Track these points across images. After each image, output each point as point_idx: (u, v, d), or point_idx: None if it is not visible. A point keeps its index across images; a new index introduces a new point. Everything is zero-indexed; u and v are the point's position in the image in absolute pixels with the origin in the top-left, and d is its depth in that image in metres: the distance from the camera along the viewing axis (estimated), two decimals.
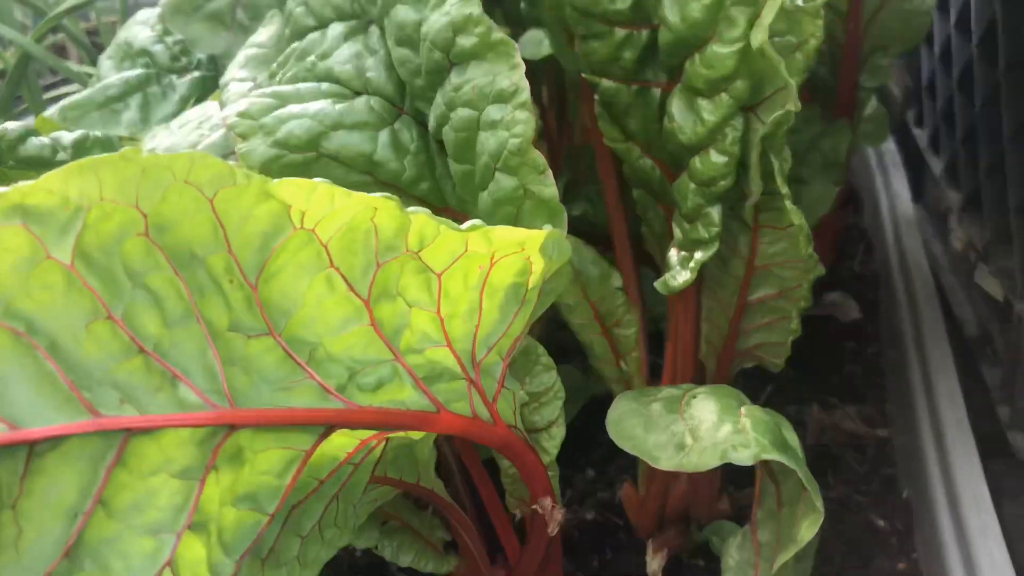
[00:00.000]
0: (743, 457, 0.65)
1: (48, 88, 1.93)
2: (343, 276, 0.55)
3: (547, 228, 0.63)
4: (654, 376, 1.01)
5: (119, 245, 0.48)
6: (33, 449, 0.45)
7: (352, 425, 0.56)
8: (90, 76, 1.56)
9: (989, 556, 0.83)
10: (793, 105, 0.71)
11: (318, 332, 0.55)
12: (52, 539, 0.45)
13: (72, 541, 0.45)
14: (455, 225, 0.56)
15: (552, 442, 0.82)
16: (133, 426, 0.47)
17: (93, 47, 1.84)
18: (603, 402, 1.20)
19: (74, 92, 1.31)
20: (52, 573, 0.44)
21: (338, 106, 0.80)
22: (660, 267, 0.94)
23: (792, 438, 0.70)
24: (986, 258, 1.19)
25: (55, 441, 0.45)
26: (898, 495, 1.07)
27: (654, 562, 0.96)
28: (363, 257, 0.55)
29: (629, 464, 1.14)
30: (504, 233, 0.58)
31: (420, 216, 0.55)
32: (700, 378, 0.97)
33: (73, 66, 1.69)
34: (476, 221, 0.57)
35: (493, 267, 0.61)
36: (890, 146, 1.72)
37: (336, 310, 0.56)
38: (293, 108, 0.80)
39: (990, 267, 1.16)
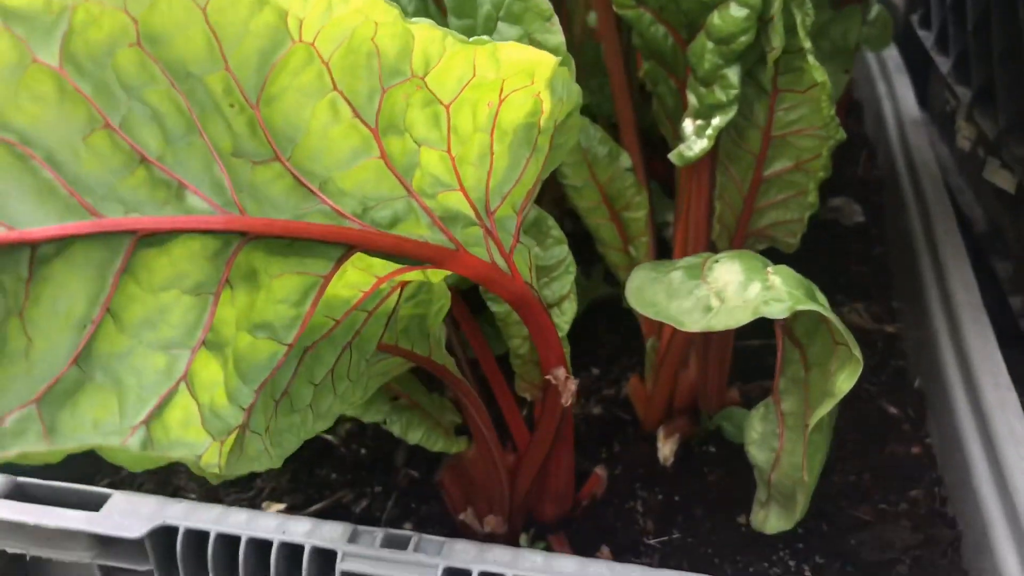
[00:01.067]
0: (777, 310, 0.62)
1: None
2: (347, 101, 0.51)
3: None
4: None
5: (111, 56, 0.45)
6: (36, 253, 0.41)
7: (370, 248, 0.52)
8: None
9: (1009, 429, 0.81)
10: None
11: (327, 165, 0.52)
12: (63, 350, 0.42)
13: (80, 350, 0.42)
14: (461, 36, 0.52)
15: (563, 317, 0.79)
16: (140, 227, 0.43)
17: None
18: (605, 303, 1.18)
19: None
20: (61, 379, 0.41)
21: None
22: (671, 146, 0.90)
23: (821, 296, 0.68)
24: (997, 151, 1.16)
25: (59, 245, 0.41)
26: (909, 386, 1.05)
27: (666, 447, 0.94)
28: (367, 81, 0.52)
29: (633, 363, 1.12)
30: (512, 52, 0.54)
31: (423, 28, 0.51)
32: None
33: None
34: (482, 37, 0.54)
35: (503, 104, 0.58)
36: (891, 53, 1.68)
37: (343, 141, 0.52)
38: None
39: (1003, 158, 1.14)
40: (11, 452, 0.38)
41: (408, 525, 0.92)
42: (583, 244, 0.99)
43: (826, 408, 0.65)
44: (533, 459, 0.81)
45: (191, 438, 0.45)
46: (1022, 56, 1.05)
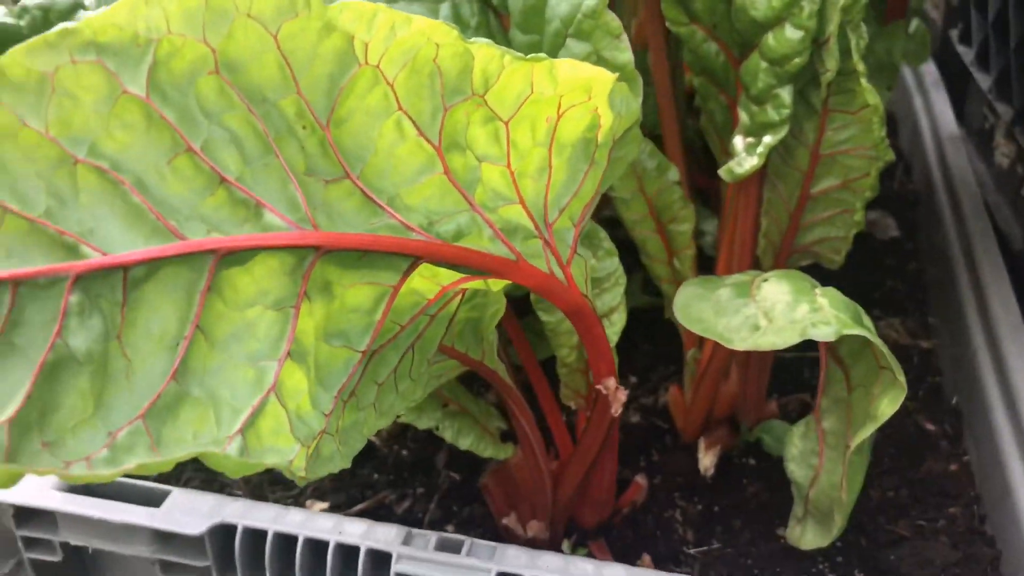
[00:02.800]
0: (825, 333, 0.64)
1: None
2: (412, 120, 0.53)
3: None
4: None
5: (192, 84, 0.47)
6: (128, 276, 0.43)
7: (436, 259, 0.54)
8: None
9: None
10: None
11: (394, 182, 0.54)
12: (159, 368, 0.44)
13: (176, 367, 0.44)
14: (518, 54, 0.54)
15: (613, 328, 0.81)
16: (219, 247, 0.45)
17: None
18: (642, 313, 1.20)
19: None
20: (161, 395, 0.43)
21: None
22: (718, 161, 0.92)
23: (867, 319, 0.69)
24: None
25: (149, 268, 0.44)
26: (946, 402, 1.06)
27: (706, 458, 0.96)
28: (430, 100, 0.54)
29: (671, 373, 1.13)
30: (568, 69, 0.56)
31: (482, 47, 0.53)
32: None
33: None
34: (539, 55, 0.55)
35: (560, 119, 0.59)
36: (928, 67, 1.68)
37: (409, 159, 0.54)
38: None
39: None
40: (128, 465, 0.40)
41: (450, 527, 0.94)
42: (621, 253, 1.00)
43: (868, 431, 0.66)
44: (578, 466, 0.83)
45: (282, 444, 0.47)
46: None
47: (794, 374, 1.11)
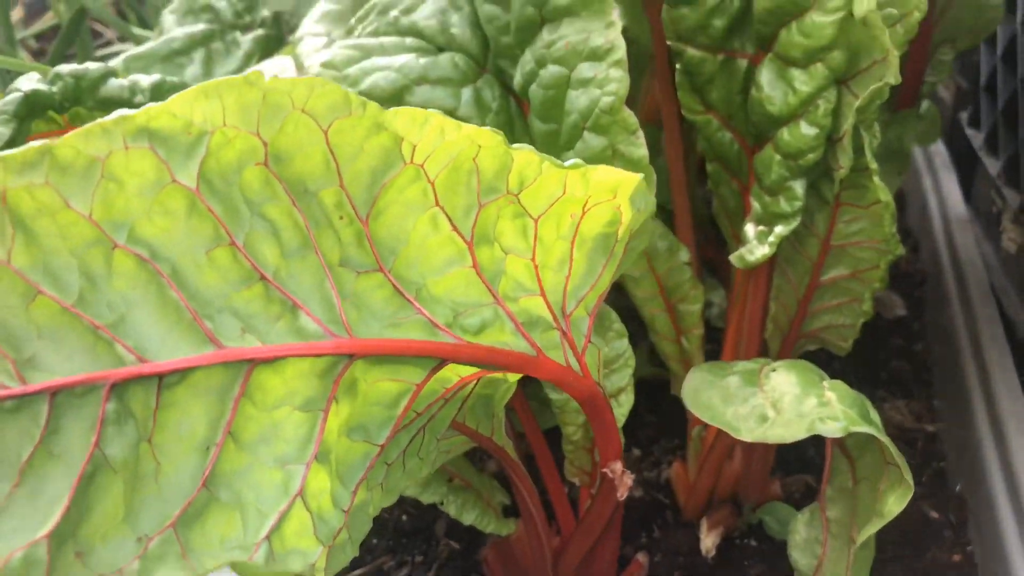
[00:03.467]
0: (832, 429, 0.64)
1: (99, 48, 1.92)
2: (447, 215, 0.54)
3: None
4: (710, 357, 1.01)
5: (239, 174, 0.48)
6: (163, 381, 0.44)
7: (463, 360, 0.55)
8: (142, 38, 1.55)
9: None
10: (893, 78, 0.70)
11: (422, 272, 0.55)
12: (188, 472, 0.45)
13: (208, 472, 0.45)
14: (557, 161, 0.55)
15: (620, 409, 0.81)
16: (257, 356, 0.46)
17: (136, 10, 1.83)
18: (648, 385, 1.20)
19: (126, 50, 1.30)
20: (193, 502, 0.44)
21: (422, 60, 0.79)
22: (729, 245, 0.93)
23: (875, 414, 0.69)
24: None
25: (183, 374, 0.45)
26: (950, 488, 1.06)
27: (708, 539, 0.95)
28: (466, 197, 0.55)
29: (674, 446, 1.14)
30: (603, 174, 0.58)
31: (523, 153, 0.55)
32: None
33: (131, 27, 1.69)
34: (576, 160, 0.57)
35: (585, 216, 0.61)
36: (938, 148, 1.70)
37: (440, 251, 0.55)
38: (378, 60, 0.79)
39: None
40: None
41: None
42: (626, 321, 1.01)
43: (874, 528, 0.66)
44: (580, 545, 0.83)
45: (305, 547, 0.47)
46: None
47: (799, 453, 1.11)
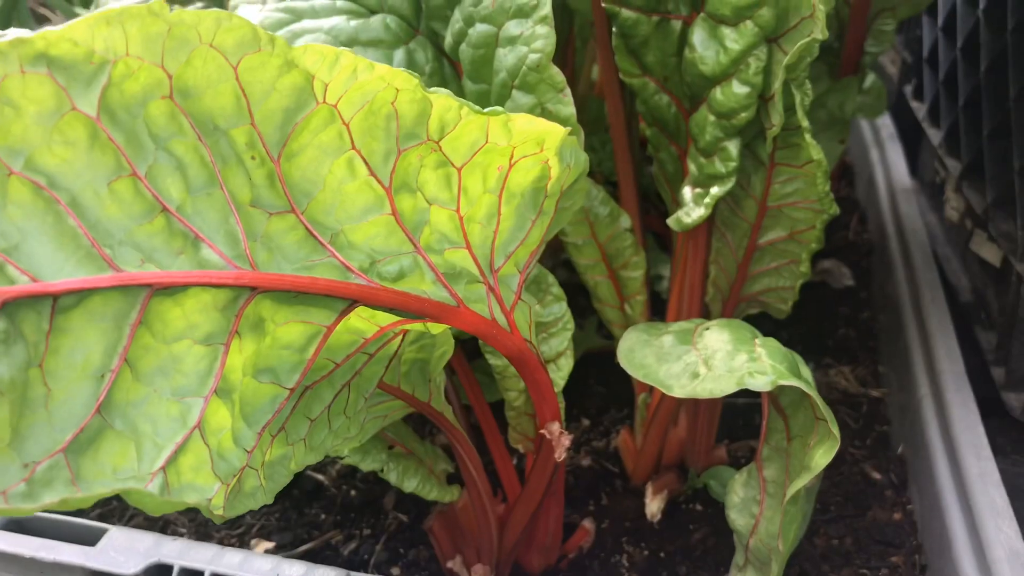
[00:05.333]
0: (760, 383, 0.65)
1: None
2: (364, 160, 0.54)
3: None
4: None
5: (143, 107, 0.47)
6: (57, 304, 0.43)
7: (373, 303, 0.55)
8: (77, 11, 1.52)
9: (989, 500, 0.83)
10: (820, 33, 0.70)
11: (339, 218, 0.54)
12: (81, 399, 0.44)
13: (101, 400, 0.44)
14: (476, 107, 0.55)
15: (559, 373, 0.81)
16: (156, 282, 0.45)
17: None
18: (596, 355, 1.21)
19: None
20: (84, 429, 0.43)
21: (353, 22, 0.78)
22: (669, 210, 0.93)
23: (805, 370, 0.70)
24: (984, 224, 1.19)
25: (79, 297, 0.43)
26: (892, 451, 1.08)
27: (653, 504, 0.96)
28: (384, 142, 0.54)
29: (623, 416, 1.14)
30: (524, 122, 0.57)
31: (441, 97, 0.54)
32: None
33: (74, 7, 1.65)
34: (496, 107, 0.56)
35: (512, 168, 0.61)
36: (885, 121, 1.72)
37: (357, 197, 0.55)
38: (307, 23, 0.78)
39: (989, 232, 1.17)
40: (47, 501, 0.40)
41: (396, 570, 0.93)
42: (576, 295, 1.01)
43: (803, 481, 0.67)
44: (523, 511, 0.83)
45: (202, 482, 0.47)
46: (1010, 134, 1.09)
47: (746, 419, 1.12)
